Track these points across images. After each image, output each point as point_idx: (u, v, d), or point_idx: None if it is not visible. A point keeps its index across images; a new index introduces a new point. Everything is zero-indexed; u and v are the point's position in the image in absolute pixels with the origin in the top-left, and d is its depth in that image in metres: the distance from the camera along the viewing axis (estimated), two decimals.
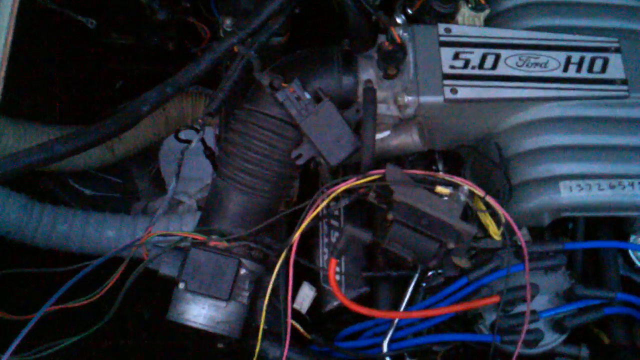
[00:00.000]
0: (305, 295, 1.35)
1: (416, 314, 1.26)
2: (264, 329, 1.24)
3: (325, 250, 1.44)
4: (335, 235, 1.44)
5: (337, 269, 1.36)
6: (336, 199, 1.26)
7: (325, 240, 1.44)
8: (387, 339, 1.26)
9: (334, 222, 1.45)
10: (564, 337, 1.31)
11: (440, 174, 1.25)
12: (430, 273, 1.31)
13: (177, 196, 1.75)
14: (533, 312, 1.26)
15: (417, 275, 1.30)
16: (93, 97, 1.88)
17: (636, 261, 1.35)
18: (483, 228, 1.28)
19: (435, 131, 1.37)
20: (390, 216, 1.20)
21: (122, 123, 1.30)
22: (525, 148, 1.31)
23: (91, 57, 1.85)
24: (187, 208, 1.75)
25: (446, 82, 1.30)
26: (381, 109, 1.32)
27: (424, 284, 1.31)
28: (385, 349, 1.26)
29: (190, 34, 1.82)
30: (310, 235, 1.45)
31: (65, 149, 1.25)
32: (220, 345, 1.29)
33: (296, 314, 1.34)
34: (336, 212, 1.45)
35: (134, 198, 1.88)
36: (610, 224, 1.38)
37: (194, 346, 1.34)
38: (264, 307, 1.22)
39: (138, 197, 1.89)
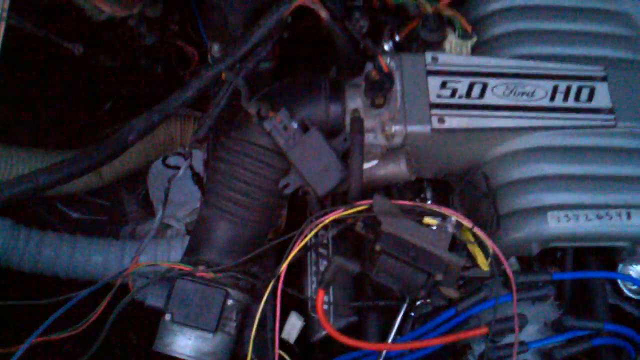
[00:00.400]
0: (293, 325, 1.35)
1: (404, 346, 1.26)
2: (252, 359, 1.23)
3: (314, 278, 1.43)
4: (323, 264, 1.43)
5: (325, 299, 1.35)
6: (325, 227, 1.26)
7: (314, 268, 1.44)
8: None
9: (323, 251, 1.45)
10: None
11: (428, 205, 1.25)
12: (418, 302, 1.30)
13: (165, 220, 1.75)
14: (522, 343, 1.26)
15: (405, 306, 1.29)
16: (82, 119, 1.87)
17: (625, 290, 1.36)
18: (471, 258, 1.28)
19: (423, 160, 1.37)
20: (377, 247, 1.19)
21: (107, 152, 1.30)
22: (513, 178, 1.31)
23: (79, 80, 1.85)
24: (175, 232, 1.75)
25: (433, 111, 1.30)
26: (368, 138, 1.32)
27: (412, 314, 1.30)
28: None
29: (178, 56, 1.82)
30: (299, 264, 1.45)
31: (50, 180, 1.25)
32: None
33: (284, 344, 1.34)
34: (325, 241, 1.45)
35: (122, 221, 1.88)
36: (599, 253, 1.38)
37: None
38: (252, 338, 1.22)
39: (126, 220, 1.88)
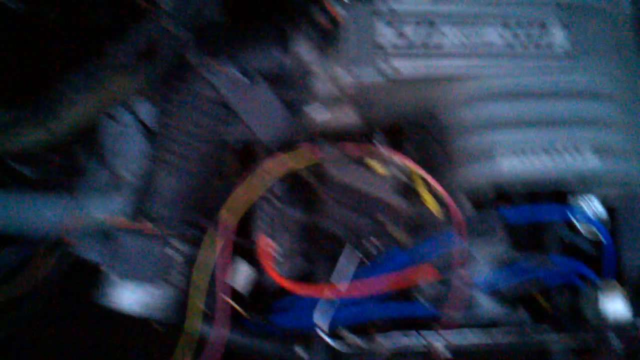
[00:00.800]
0: (242, 273, 1.33)
1: (350, 291, 1.24)
2: (200, 310, 1.22)
3: (263, 227, 1.41)
4: (271, 213, 1.41)
5: (275, 247, 1.34)
6: (273, 176, 1.25)
7: (262, 217, 1.42)
8: (323, 314, 1.25)
9: (271, 199, 1.43)
10: (504, 305, 1.31)
11: (378, 150, 1.24)
12: (367, 247, 1.29)
13: (118, 173, 1.72)
14: (471, 281, 1.26)
15: (354, 251, 1.28)
16: (29, 76, 1.83)
17: (578, 226, 1.34)
18: (421, 203, 1.26)
19: (373, 107, 1.35)
20: (325, 194, 1.18)
21: (50, 108, 1.28)
22: (465, 121, 1.29)
23: (25, 37, 1.80)
24: (127, 185, 1.72)
25: (383, 57, 1.27)
26: (316, 85, 1.29)
27: (361, 258, 1.29)
28: (319, 324, 1.25)
29: (128, 9, 1.77)
30: (248, 213, 1.43)
31: None
32: (156, 327, 1.28)
33: (234, 293, 1.33)
34: (273, 189, 1.43)
35: (76, 176, 1.84)
36: (551, 197, 1.37)
37: (131, 327, 1.33)
38: (193, 285, 1.21)
39: (80, 176, 1.84)
